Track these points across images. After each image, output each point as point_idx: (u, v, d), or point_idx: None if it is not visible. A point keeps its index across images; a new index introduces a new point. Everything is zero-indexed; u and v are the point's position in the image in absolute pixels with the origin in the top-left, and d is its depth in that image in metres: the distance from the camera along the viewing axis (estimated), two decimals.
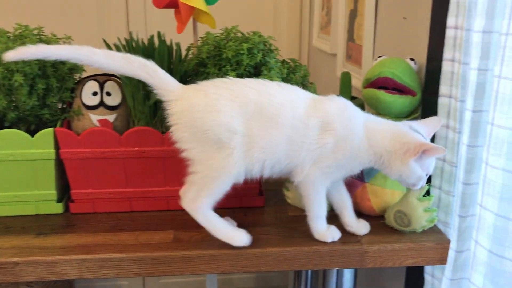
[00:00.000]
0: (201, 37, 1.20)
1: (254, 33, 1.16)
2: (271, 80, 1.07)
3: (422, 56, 1.27)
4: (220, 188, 1.01)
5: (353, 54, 1.83)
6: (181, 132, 0.99)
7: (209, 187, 1.01)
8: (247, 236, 1.03)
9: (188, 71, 1.16)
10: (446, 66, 1.09)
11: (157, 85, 1.01)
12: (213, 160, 0.99)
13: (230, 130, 0.96)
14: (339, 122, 1.00)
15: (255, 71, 1.13)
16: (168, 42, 1.19)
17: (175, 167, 1.17)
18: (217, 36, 1.15)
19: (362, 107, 1.44)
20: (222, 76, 1.10)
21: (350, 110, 1.03)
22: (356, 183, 1.17)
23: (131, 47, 1.16)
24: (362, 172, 1.16)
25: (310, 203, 1.05)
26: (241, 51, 1.09)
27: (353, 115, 1.03)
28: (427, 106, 1.24)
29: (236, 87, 0.99)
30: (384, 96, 1.24)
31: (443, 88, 1.11)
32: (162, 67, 1.11)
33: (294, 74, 1.17)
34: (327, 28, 2.19)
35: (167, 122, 1.01)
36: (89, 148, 1.14)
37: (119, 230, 1.12)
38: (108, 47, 1.16)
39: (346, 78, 1.45)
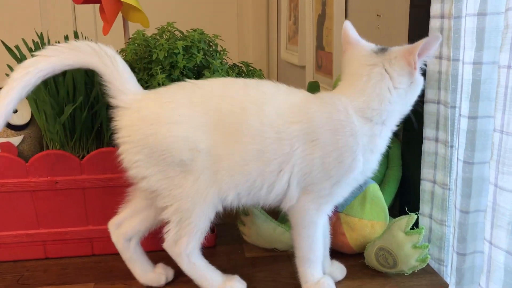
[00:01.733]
0: (130, 38, 0.97)
1: (194, 30, 0.94)
2: None
3: None
4: (201, 221, 0.77)
5: (323, 63, 1.63)
6: (132, 154, 0.76)
7: (187, 223, 0.77)
8: None
9: None
10: (432, 65, 0.88)
11: (110, 80, 0.77)
12: (180, 188, 0.75)
13: (192, 149, 0.74)
14: (327, 131, 0.74)
15: (195, 76, 0.90)
16: None
17: (98, 201, 0.93)
18: (148, 35, 0.92)
19: None
20: (152, 83, 0.87)
21: (340, 111, 0.76)
22: None
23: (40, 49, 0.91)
24: None
25: (303, 241, 0.79)
26: (176, 51, 0.86)
27: (343, 116, 0.76)
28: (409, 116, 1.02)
29: (197, 92, 0.76)
30: None
31: (429, 93, 0.89)
32: (76, 76, 0.88)
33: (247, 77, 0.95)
34: (295, 38, 1.99)
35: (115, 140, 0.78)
36: None
37: (23, 285, 0.86)
38: (9, 50, 0.92)
39: (313, 88, 1.23)
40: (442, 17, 0.84)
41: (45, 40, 0.96)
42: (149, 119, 0.74)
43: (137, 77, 0.88)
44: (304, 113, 0.75)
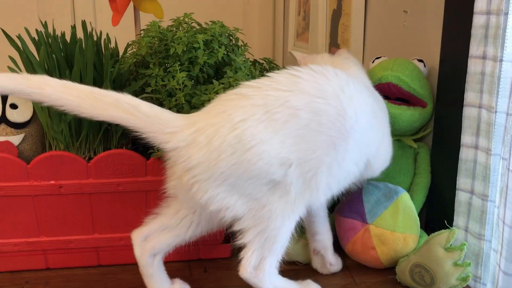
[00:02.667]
0: (143, 30, 0.89)
1: (213, 22, 0.86)
2: (236, 82, 0.77)
3: (432, 57, 0.99)
4: (286, 238, 0.70)
5: None
6: (213, 189, 0.66)
7: (272, 243, 0.69)
8: None
9: (124, 74, 0.85)
10: (474, 66, 0.81)
11: (144, 127, 0.67)
12: (266, 207, 0.67)
13: (283, 163, 0.66)
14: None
15: (216, 73, 0.82)
16: (112, 40, 0.88)
17: (105, 207, 0.85)
18: (163, 27, 0.84)
19: None
20: (169, 81, 0.79)
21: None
22: (355, 224, 0.86)
23: (44, 40, 0.83)
24: (363, 209, 0.86)
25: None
26: (196, 45, 0.78)
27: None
28: (441, 120, 0.95)
29: (269, 98, 0.66)
30: (388, 107, 0.94)
31: (470, 96, 0.82)
32: (84, 69, 0.80)
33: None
34: (305, 34, 1.91)
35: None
36: None
37: None
38: (10, 40, 0.83)
39: None
40: (488, 13, 0.77)
41: (50, 30, 0.88)
42: (227, 148, 0.64)
43: (151, 73, 0.80)
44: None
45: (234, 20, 2.34)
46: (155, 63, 0.81)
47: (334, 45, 1.56)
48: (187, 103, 0.76)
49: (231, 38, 0.86)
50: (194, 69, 0.78)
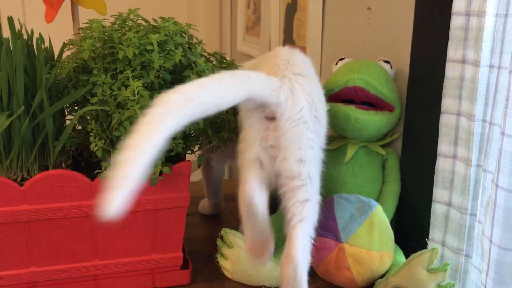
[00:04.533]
0: (82, 28, 0.77)
1: (163, 19, 0.75)
2: None
3: (400, 58, 0.93)
4: None
5: None
6: (309, 133, 0.68)
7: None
8: None
9: (62, 81, 0.72)
10: (452, 70, 0.75)
11: (265, 91, 0.65)
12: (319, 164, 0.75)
13: None
14: None
15: (172, 78, 0.72)
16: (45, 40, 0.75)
17: (44, 237, 0.73)
18: (107, 25, 0.73)
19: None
20: (118, 88, 0.67)
21: None
22: (328, 243, 0.79)
23: None
24: (336, 226, 0.79)
25: None
26: (149, 47, 0.68)
27: None
28: (412, 126, 0.90)
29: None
30: (356, 113, 0.88)
31: (448, 102, 0.77)
32: (13, 75, 0.67)
33: None
34: (255, 28, 1.83)
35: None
36: None
37: None
38: None
39: None
40: (468, 14, 0.72)
41: None
42: (313, 93, 0.70)
43: (96, 81, 0.68)
44: None
45: (178, 15, 2.21)
46: (99, 69, 0.69)
47: (288, 41, 1.48)
48: (140, 112, 0.66)
49: (184, 35, 0.75)
50: (149, 75, 0.67)
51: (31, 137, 0.73)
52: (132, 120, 0.67)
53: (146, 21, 0.75)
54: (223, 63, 0.78)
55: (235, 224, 1.04)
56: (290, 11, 1.46)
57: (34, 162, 0.75)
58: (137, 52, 0.67)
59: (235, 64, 0.80)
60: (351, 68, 0.91)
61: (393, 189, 0.92)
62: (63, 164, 0.79)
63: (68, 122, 0.80)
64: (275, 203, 0.85)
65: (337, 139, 0.97)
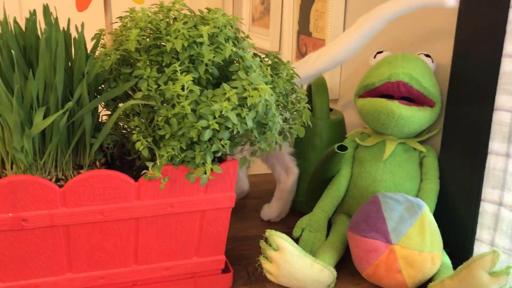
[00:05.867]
0: (120, 18, 0.72)
1: (210, 10, 0.70)
2: (251, 86, 0.63)
3: (439, 51, 0.90)
4: None
5: (308, 50, 1.44)
6: None
7: None
8: None
9: (101, 74, 0.67)
10: (508, 65, 0.73)
11: None
12: None
13: None
14: None
15: (220, 74, 0.68)
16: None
17: (83, 241, 0.68)
18: (152, 13, 0.68)
19: (340, 124, 1.05)
20: (164, 83, 0.63)
21: None
22: (377, 245, 0.76)
23: None
24: (386, 227, 0.76)
25: None
26: (199, 40, 0.63)
27: None
28: (452, 123, 0.87)
29: None
30: (400, 109, 0.85)
31: (502, 98, 0.74)
32: (51, 69, 0.62)
33: (278, 75, 0.74)
34: (263, 19, 1.78)
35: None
36: None
37: None
38: None
39: (320, 85, 1.04)
40: None
41: None
42: None
43: (141, 74, 0.64)
44: None
45: None
46: (144, 62, 0.65)
47: (304, 33, 1.44)
48: (192, 112, 0.61)
49: (232, 28, 0.71)
50: (199, 70, 0.63)
51: (66, 134, 0.69)
52: (179, 117, 0.63)
53: (191, 11, 0.70)
54: (277, 64, 0.74)
55: (260, 222, 1.01)
56: (307, 2, 1.41)
57: (69, 161, 0.70)
58: (186, 45, 0.63)
59: (290, 65, 0.76)
60: (393, 62, 0.87)
61: (432, 187, 0.89)
62: (97, 163, 0.74)
63: (102, 117, 0.76)
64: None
65: (373, 135, 0.94)
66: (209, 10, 0.71)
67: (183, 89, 0.60)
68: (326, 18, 1.29)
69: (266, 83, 0.66)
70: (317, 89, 1.03)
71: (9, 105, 0.62)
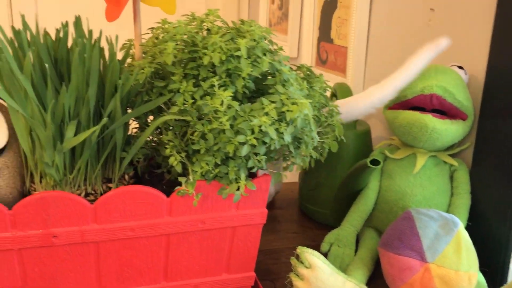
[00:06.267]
0: (153, 29, 0.70)
1: (243, 21, 0.69)
2: (290, 101, 0.61)
3: (471, 63, 0.88)
4: None
5: (329, 57, 1.42)
6: None
7: None
8: None
9: (134, 87, 0.66)
10: None
11: None
12: None
13: None
14: None
15: (256, 87, 0.66)
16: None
17: (114, 258, 0.66)
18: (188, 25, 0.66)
19: (366, 135, 1.03)
20: (200, 97, 0.61)
21: None
22: (412, 263, 0.74)
23: (24, 43, 0.62)
24: (421, 245, 0.74)
25: None
26: (237, 53, 0.61)
27: None
28: (486, 136, 0.85)
29: None
30: (434, 122, 0.83)
31: None
32: (83, 83, 0.61)
33: (312, 88, 0.72)
34: (281, 25, 1.76)
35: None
36: None
37: None
38: None
39: (345, 93, 1.02)
40: None
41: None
42: None
43: (176, 88, 0.62)
44: None
45: (196, 9, 2.13)
46: (180, 76, 0.63)
47: (325, 39, 1.43)
48: (230, 127, 0.60)
49: (266, 39, 0.69)
50: (236, 84, 0.61)
51: (96, 148, 0.67)
52: (215, 132, 0.61)
53: (225, 23, 0.69)
54: (310, 77, 0.72)
55: (284, 234, 0.99)
56: (328, 8, 1.40)
57: (98, 175, 0.69)
58: (223, 58, 0.61)
59: (323, 79, 0.75)
60: (426, 74, 0.85)
61: (464, 202, 0.87)
62: (126, 176, 0.72)
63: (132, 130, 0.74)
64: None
65: (403, 147, 0.92)
66: (242, 21, 0.69)
67: (221, 104, 0.58)
68: (349, 25, 1.28)
69: (305, 97, 0.64)
70: (342, 97, 1.01)
71: (41, 119, 0.60)
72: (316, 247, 0.84)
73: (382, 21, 1.17)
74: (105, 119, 0.60)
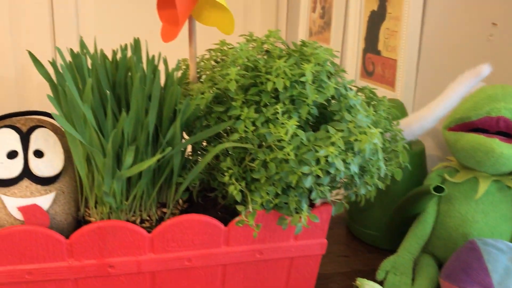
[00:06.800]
0: (211, 50, 0.68)
1: (304, 43, 0.66)
2: (358, 129, 0.57)
3: None
4: None
5: (376, 69, 1.38)
6: None
7: None
8: None
9: (193, 113, 0.63)
10: None
11: None
12: None
13: None
14: None
15: (319, 111, 0.63)
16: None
17: (168, 286, 0.64)
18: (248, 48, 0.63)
19: (421, 155, 0.98)
20: (262, 124, 0.59)
21: None
22: None
23: (84, 67, 0.60)
24: (490, 280, 0.69)
25: None
26: (302, 79, 0.58)
27: None
28: None
29: None
30: (501, 147, 0.78)
31: None
32: (142, 109, 0.59)
33: (376, 112, 0.68)
34: (323, 34, 1.73)
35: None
36: (2, 266, 0.58)
37: None
38: (38, 65, 0.60)
39: (397, 109, 0.98)
40: None
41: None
42: None
43: (235, 114, 0.59)
44: None
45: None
46: (241, 102, 0.60)
47: (371, 51, 1.38)
48: (293, 154, 0.57)
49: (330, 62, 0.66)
50: (301, 111, 0.58)
51: (152, 173, 0.65)
52: (277, 161, 0.58)
53: (285, 44, 0.66)
54: (373, 99, 0.69)
55: (335, 257, 0.96)
56: (376, 19, 1.35)
57: (153, 201, 0.67)
58: (287, 84, 0.58)
59: (386, 102, 0.71)
60: (492, 96, 0.80)
61: None
62: (180, 201, 0.70)
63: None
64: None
65: (463, 170, 0.87)
66: (304, 43, 0.66)
67: (286, 133, 0.56)
68: (399, 38, 1.23)
69: (372, 124, 0.61)
70: (394, 113, 0.97)
71: (100, 147, 0.59)
72: (369, 272, 0.80)
73: (435, 34, 1.12)
74: (168, 149, 0.58)
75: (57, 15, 1.38)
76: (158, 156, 0.57)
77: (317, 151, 0.56)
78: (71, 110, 0.56)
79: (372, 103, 0.69)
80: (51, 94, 0.59)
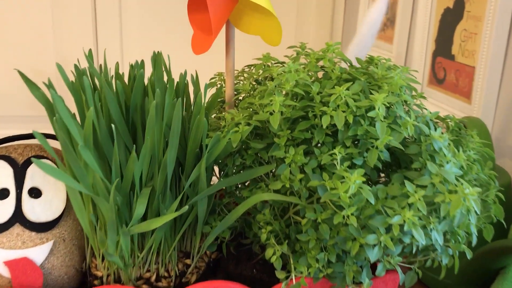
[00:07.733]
0: (252, 66, 0.53)
1: (372, 58, 0.50)
2: (447, 188, 0.42)
3: None
4: None
5: (447, 76, 1.19)
6: None
7: None
8: None
9: (224, 150, 0.49)
10: None
11: None
12: None
13: None
14: None
15: (390, 163, 0.47)
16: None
17: None
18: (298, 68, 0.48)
19: (507, 189, 0.80)
20: (309, 171, 0.44)
21: None
22: None
23: (87, 91, 0.47)
24: None
25: None
26: (371, 114, 0.43)
27: None
28: None
29: None
30: None
31: None
32: (160, 141, 0.45)
33: (464, 152, 0.51)
34: (385, 32, 1.54)
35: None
36: None
37: None
38: (33, 88, 0.47)
39: (481, 131, 0.79)
40: None
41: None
42: None
43: (275, 155, 0.45)
44: None
45: (285, 20, 1.93)
46: (287, 139, 0.45)
47: (443, 55, 1.19)
48: (355, 219, 0.42)
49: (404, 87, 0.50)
50: (368, 158, 0.43)
51: (172, 221, 0.52)
52: (331, 223, 0.43)
53: (349, 62, 0.50)
54: (459, 134, 0.52)
55: None
56: (450, 18, 1.16)
57: (174, 253, 0.53)
58: (350, 120, 0.43)
59: (477, 138, 0.54)
60: None
61: None
62: (207, 253, 0.57)
63: None
64: None
65: None
66: (371, 58, 0.51)
67: (347, 191, 0.40)
68: (479, 41, 1.04)
69: (467, 180, 0.44)
70: (488, 152, 0.79)
71: (105, 192, 0.46)
72: None
73: None
74: (185, 207, 0.44)
75: (100, 14, 1.30)
76: (175, 214, 0.43)
77: (388, 215, 0.41)
78: (67, 149, 0.43)
79: (456, 136, 0.53)
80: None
